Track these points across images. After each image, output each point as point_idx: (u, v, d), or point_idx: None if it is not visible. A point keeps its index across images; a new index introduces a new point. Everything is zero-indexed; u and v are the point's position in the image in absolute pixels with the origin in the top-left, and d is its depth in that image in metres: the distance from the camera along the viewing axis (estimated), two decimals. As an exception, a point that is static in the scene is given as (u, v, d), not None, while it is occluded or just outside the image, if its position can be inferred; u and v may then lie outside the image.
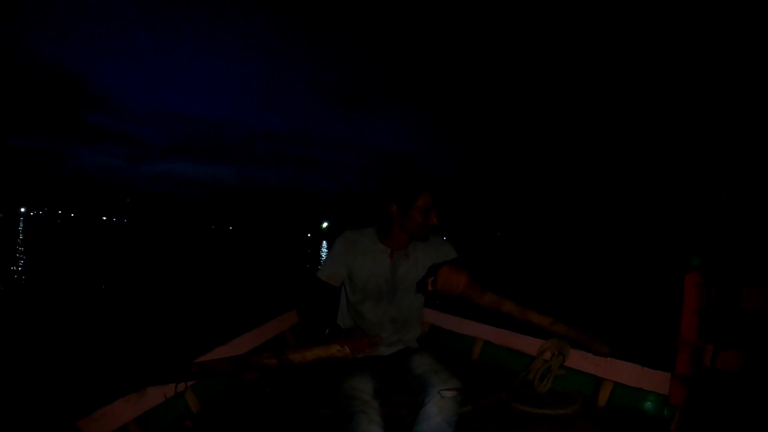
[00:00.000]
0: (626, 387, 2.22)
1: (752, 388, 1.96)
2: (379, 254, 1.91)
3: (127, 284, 11.65)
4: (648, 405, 2.16)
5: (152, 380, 1.91)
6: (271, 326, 2.64)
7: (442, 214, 1.87)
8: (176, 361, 1.91)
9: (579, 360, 2.37)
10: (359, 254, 1.91)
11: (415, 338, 2.04)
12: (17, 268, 13.77)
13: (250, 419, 2.08)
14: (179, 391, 1.97)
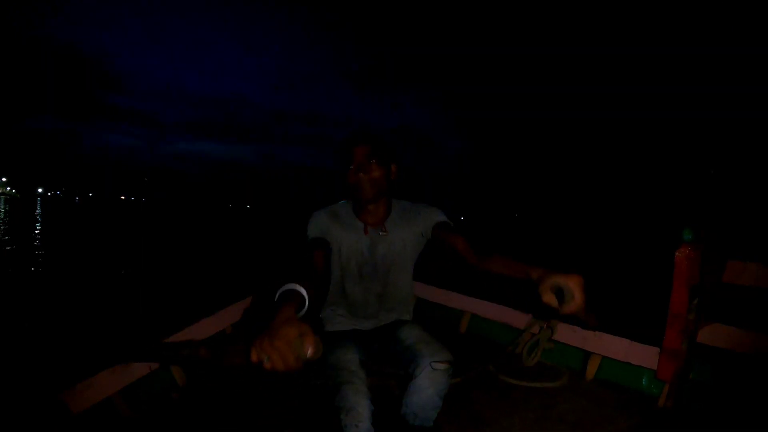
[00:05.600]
0: (614, 361, 2.11)
1: (741, 362, 1.87)
2: (355, 230, 1.68)
3: (127, 261, 11.52)
4: (636, 379, 2.04)
5: (134, 345, 1.80)
6: (229, 311, 2.42)
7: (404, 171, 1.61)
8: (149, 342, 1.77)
9: (567, 334, 2.26)
10: (337, 229, 1.68)
11: (406, 314, 1.83)
12: (22, 247, 13.68)
13: (236, 392, 1.97)
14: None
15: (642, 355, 2.02)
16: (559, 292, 1.13)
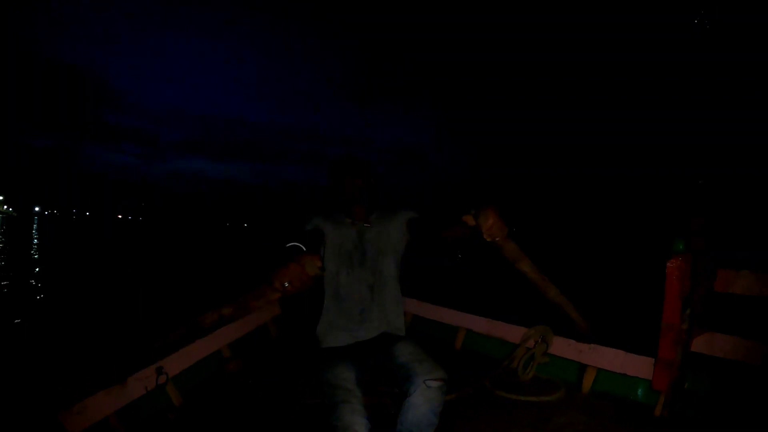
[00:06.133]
0: (610, 373, 2.10)
1: (735, 371, 1.86)
2: (344, 223, 1.89)
3: (125, 280, 11.41)
4: (632, 390, 2.03)
5: (131, 369, 1.78)
6: (252, 318, 2.49)
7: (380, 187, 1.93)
8: (148, 343, 1.78)
9: (562, 347, 2.25)
10: (329, 224, 1.88)
11: (398, 321, 1.87)
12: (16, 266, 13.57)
13: (233, 411, 1.95)
14: (160, 383, 1.84)
15: (637, 366, 2.02)
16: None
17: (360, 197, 1.86)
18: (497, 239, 1.51)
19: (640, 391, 2.02)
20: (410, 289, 1.88)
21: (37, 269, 12.81)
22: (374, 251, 1.85)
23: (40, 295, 8.98)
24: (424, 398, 1.47)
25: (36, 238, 27.82)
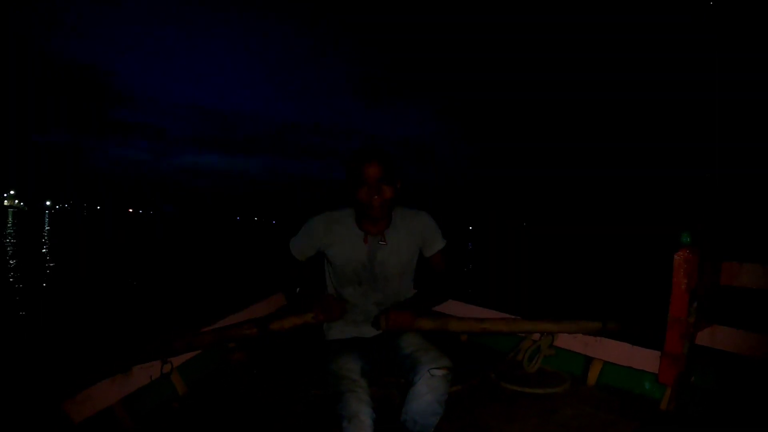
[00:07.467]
0: (616, 366, 2.07)
1: (742, 365, 1.84)
2: (354, 238, 1.71)
3: (127, 271, 11.52)
4: (638, 384, 2.01)
5: (136, 359, 1.78)
6: (257, 308, 2.49)
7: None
8: (158, 339, 1.78)
9: (568, 340, 2.22)
10: (335, 237, 1.72)
11: None
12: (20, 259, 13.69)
13: (237, 401, 1.95)
14: (165, 372, 1.84)
15: (643, 359, 1.99)
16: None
17: (385, 212, 1.65)
18: (404, 328, 1.65)
19: (646, 385, 1.99)
20: (416, 283, 1.87)
21: (46, 262, 12.94)
22: (386, 272, 1.73)
23: (47, 286, 9.08)
24: (428, 387, 1.46)
25: (47, 232, 28.10)
